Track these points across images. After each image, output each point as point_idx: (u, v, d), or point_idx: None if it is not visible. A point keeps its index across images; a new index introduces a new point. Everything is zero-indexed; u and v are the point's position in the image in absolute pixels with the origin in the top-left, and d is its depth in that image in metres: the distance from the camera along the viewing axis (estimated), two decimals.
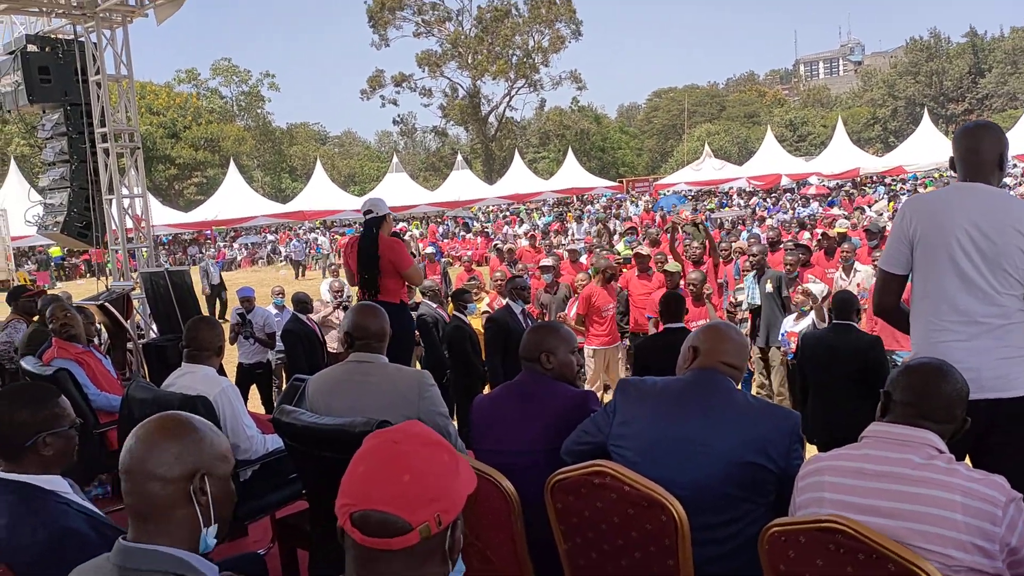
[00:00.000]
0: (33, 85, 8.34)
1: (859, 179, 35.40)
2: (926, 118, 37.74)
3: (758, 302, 7.82)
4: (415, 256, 7.07)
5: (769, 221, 20.80)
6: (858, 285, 8.58)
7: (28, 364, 4.92)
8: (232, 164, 41.35)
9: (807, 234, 14.22)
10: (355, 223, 38.67)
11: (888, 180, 33.02)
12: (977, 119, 3.28)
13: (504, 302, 8.70)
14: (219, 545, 1.68)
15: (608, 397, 8.15)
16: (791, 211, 23.31)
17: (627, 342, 8.43)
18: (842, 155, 37.51)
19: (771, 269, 8.09)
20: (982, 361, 2.66)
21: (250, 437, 3.77)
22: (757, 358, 7.70)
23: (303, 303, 8.68)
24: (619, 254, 11.69)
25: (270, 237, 39.23)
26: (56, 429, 2.29)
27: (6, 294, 7.78)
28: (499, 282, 8.85)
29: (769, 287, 7.73)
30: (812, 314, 7.01)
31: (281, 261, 34.91)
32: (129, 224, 9.03)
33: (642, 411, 2.51)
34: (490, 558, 2.70)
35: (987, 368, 2.66)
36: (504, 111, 61.54)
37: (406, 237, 8.09)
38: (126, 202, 8.65)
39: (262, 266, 35.03)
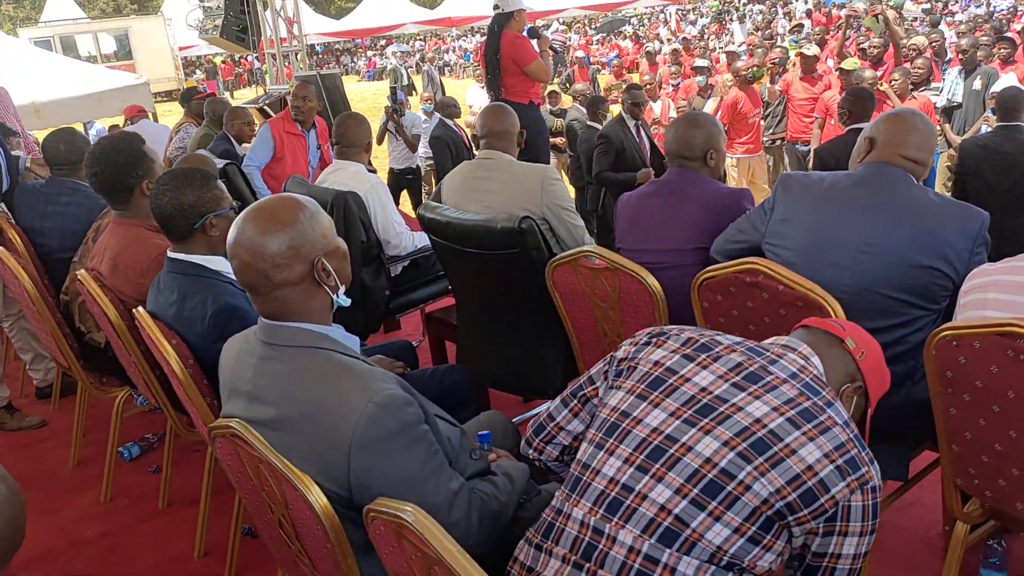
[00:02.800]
0: None
1: None
2: None
3: (959, 99, 7.07)
4: (554, 52, 6.74)
5: (959, 16, 18.61)
6: None
7: None
8: None
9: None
10: None
11: None
12: None
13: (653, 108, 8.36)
14: (374, 335, 1.70)
15: None
16: (985, 4, 20.64)
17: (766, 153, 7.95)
18: None
19: (984, 65, 7.27)
20: None
21: (399, 233, 3.85)
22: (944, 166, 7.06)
23: (449, 107, 8.63)
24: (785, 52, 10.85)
25: (418, 45, 38.92)
26: (219, 211, 2.39)
27: (179, 97, 8.12)
28: (647, 84, 8.41)
29: (978, 84, 6.95)
30: None
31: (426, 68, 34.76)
32: (282, 29, 9.11)
33: (804, 208, 2.32)
34: None
35: None
36: None
37: (551, 37, 7.70)
38: (278, 3, 8.66)
39: (412, 74, 35.04)
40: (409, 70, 22.59)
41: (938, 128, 7.08)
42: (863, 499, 1.36)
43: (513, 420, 2.32)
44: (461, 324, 3.40)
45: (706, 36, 21.54)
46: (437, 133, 8.40)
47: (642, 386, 1.52)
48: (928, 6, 20.11)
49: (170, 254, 2.41)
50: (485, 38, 5.89)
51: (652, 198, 2.87)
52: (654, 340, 1.60)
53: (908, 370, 2.21)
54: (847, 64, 7.31)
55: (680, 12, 34.27)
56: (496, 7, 5.71)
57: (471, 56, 30.62)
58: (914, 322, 2.17)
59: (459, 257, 3.09)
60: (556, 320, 2.95)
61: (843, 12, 11.63)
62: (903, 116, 2.36)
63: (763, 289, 2.17)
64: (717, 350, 1.52)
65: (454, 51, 33.99)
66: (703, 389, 1.46)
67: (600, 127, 6.89)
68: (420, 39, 40.37)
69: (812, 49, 8.36)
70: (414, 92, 18.96)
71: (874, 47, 8.00)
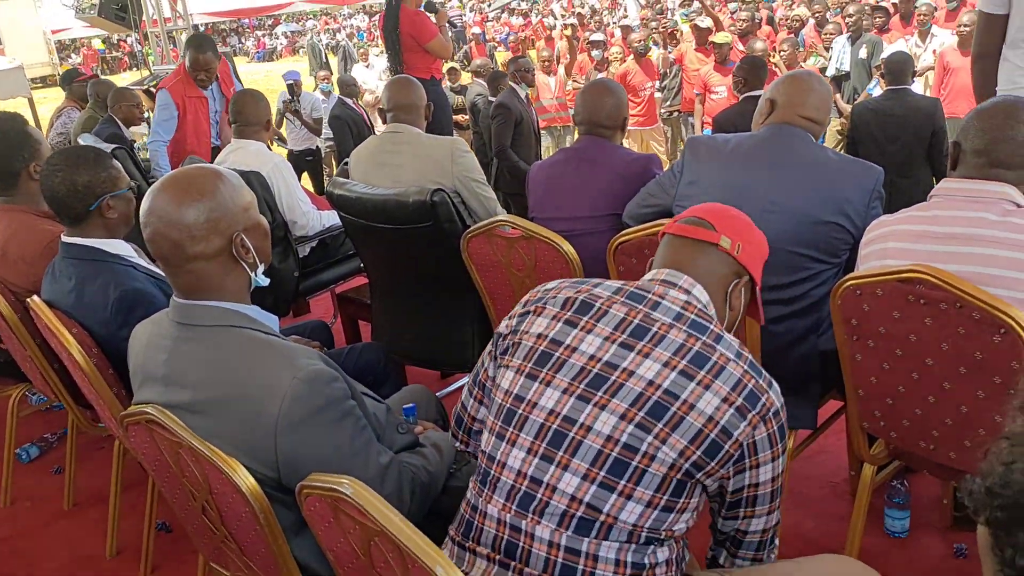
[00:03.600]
0: None
1: None
2: None
3: (847, 68, 7.35)
4: (453, 27, 6.71)
5: None
6: (934, 52, 8.02)
7: (86, 142, 4.92)
8: None
9: None
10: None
11: None
12: None
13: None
14: (284, 319, 1.65)
15: None
16: None
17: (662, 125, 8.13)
18: None
19: (868, 34, 7.58)
20: None
21: (306, 213, 3.76)
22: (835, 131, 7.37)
23: (349, 86, 8.48)
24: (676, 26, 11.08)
25: (310, 24, 37.98)
26: (116, 191, 2.28)
27: (60, 79, 7.63)
28: (545, 59, 8.46)
29: (863, 52, 7.24)
30: None
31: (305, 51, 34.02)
32: (165, 8, 8.73)
33: (712, 169, 2.38)
34: None
35: None
36: None
37: (448, 10, 7.63)
38: None
39: (303, 55, 34.16)
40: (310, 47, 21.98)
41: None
42: (766, 428, 1.37)
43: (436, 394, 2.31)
44: (375, 302, 3.36)
45: (599, 11, 21.69)
46: (337, 112, 8.22)
47: (530, 364, 1.48)
48: None
49: (65, 239, 2.29)
50: (383, 13, 5.79)
51: (564, 166, 2.89)
52: (533, 308, 1.56)
53: (812, 323, 2.30)
54: (718, 38, 7.54)
55: None
56: None
57: (364, 36, 30.06)
58: (817, 276, 2.26)
59: (371, 233, 3.05)
60: (471, 293, 2.95)
61: None
62: (801, 77, 2.44)
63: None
64: (598, 305, 1.48)
65: (345, 30, 33.25)
66: (591, 357, 1.43)
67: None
68: (311, 18, 39.41)
69: (705, 21, 8.55)
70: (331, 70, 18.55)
71: (743, 21, 8.29)
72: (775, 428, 1.39)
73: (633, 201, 2.60)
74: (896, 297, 1.79)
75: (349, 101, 8.37)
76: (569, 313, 1.50)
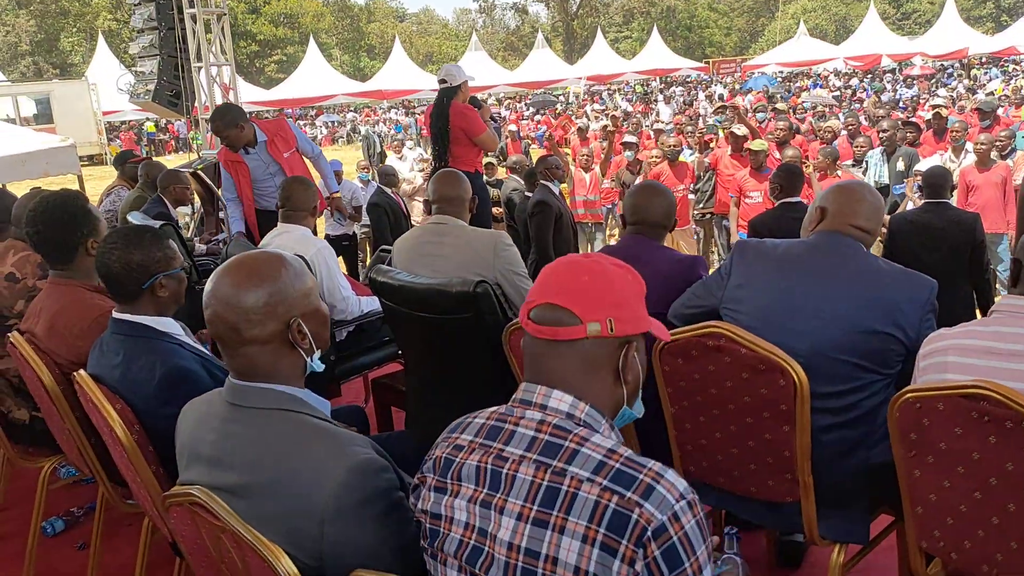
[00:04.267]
0: None
1: (967, 59, 33.08)
2: None
3: (886, 181, 7.44)
4: (494, 122, 6.88)
5: (867, 103, 19.70)
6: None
7: (135, 220, 5.03)
8: (312, 41, 41.07)
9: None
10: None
11: (1001, 61, 30.76)
12: None
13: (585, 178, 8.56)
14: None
15: None
16: (892, 92, 21.97)
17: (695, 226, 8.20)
18: (950, 34, 34.92)
19: (904, 147, 7.70)
20: None
21: (345, 298, 3.79)
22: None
23: (388, 176, 8.68)
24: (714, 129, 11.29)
25: (350, 116, 39.20)
26: (170, 271, 2.30)
27: (113, 159, 7.87)
28: (585, 156, 8.64)
29: (901, 165, 7.34)
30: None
31: (360, 139, 34.98)
32: (218, 95, 9.05)
33: (760, 273, 2.37)
34: None
35: None
36: None
37: (492, 109, 7.87)
38: (213, 71, 8.62)
39: (342, 144, 35.17)
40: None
41: None
42: (655, 549, 1.15)
43: None
44: (410, 390, 3.34)
45: (633, 113, 22.22)
46: (375, 200, 8.40)
47: (463, 562, 1.32)
48: (839, 93, 21.28)
49: (115, 315, 2.30)
50: (431, 108, 5.96)
51: None
52: (450, 486, 1.36)
53: (862, 434, 2.24)
54: (755, 145, 7.66)
55: (608, 92, 35.48)
56: (443, 81, 5.81)
57: (401, 128, 30.91)
58: (868, 387, 2.21)
59: (411, 321, 3.05)
60: (510, 385, 2.91)
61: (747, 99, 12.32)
62: (853, 187, 2.45)
63: (725, 352, 2.18)
64: (506, 471, 1.29)
65: (385, 123, 34.26)
66: (511, 547, 1.24)
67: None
68: (351, 109, 40.69)
69: (741, 129, 8.72)
70: (385, 160, 19.10)
71: (780, 130, 8.44)
72: (673, 541, 1.15)
73: (679, 301, 2.59)
74: (959, 413, 1.74)
75: (388, 190, 8.56)
76: (484, 491, 1.31)
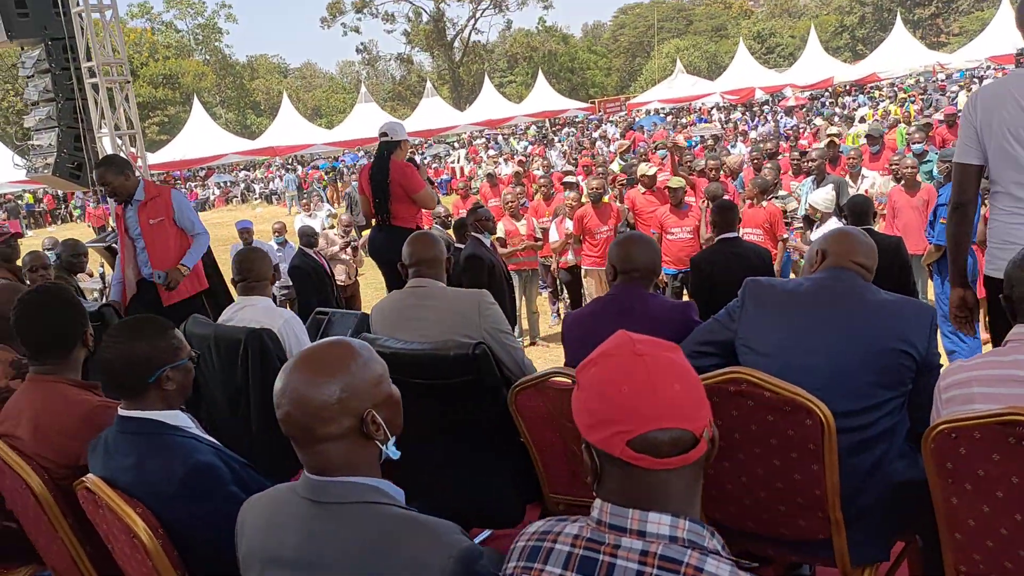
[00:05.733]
0: (11, 20, 7.93)
1: (833, 88, 35.22)
2: (899, 23, 37.42)
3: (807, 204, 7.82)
4: (430, 182, 6.91)
5: (752, 135, 20.70)
6: (866, 192, 8.59)
7: None
8: (196, 101, 40.20)
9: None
10: (328, 157, 38.01)
11: (866, 87, 32.87)
12: None
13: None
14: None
15: None
16: (773, 123, 23.17)
17: None
18: (815, 65, 37.21)
19: (831, 175, 8.15)
20: None
21: None
22: None
23: (309, 236, 8.52)
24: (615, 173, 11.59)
25: (242, 175, 38.47)
26: (177, 362, 2.19)
27: None
28: (510, 203, 8.71)
29: (832, 193, 7.73)
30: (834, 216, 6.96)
31: (256, 199, 34.32)
32: None
33: (770, 311, 2.46)
34: None
35: None
36: (470, 35, 60.29)
37: (420, 162, 7.76)
38: (119, 139, 8.33)
39: (237, 204, 34.40)
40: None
41: (796, 237, 7.80)
42: None
43: None
44: (403, 458, 3.25)
45: (531, 158, 22.59)
46: (297, 263, 8.24)
47: None
48: (721, 131, 22.26)
49: (122, 412, 2.17)
50: (370, 165, 5.93)
51: (601, 316, 2.92)
52: None
53: (883, 453, 2.32)
54: (672, 183, 7.94)
55: (503, 136, 36.06)
56: (384, 134, 5.80)
57: (292, 184, 30.38)
58: (885, 404, 2.30)
59: (405, 389, 2.98)
60: (511, 447, 2.90)
61: (669, 140, 12.79)
62: (849, 230, 2.61)
63: (748, 397, 2.23)
64: None
65: (278, 179, 33.70)
66: None
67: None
68: (243, 168, 39.94)
69: (652, 169, 9.01)
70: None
71: (712, 169, 8.83)
72: None
73: (689, 339, 2.63)
74: (996, 440, 1.84)
75: (310, 251, 8.40)
76: None
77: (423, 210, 6.02)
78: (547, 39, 62.27)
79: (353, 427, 1.51)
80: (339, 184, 30.06)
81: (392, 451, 1.58)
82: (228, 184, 37.39)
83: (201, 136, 36.46)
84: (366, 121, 40.06)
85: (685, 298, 7.88)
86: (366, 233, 10.58)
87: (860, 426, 2.28)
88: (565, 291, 8.87)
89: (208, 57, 60.96)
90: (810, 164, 8.27)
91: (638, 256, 2.94)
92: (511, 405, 2.73)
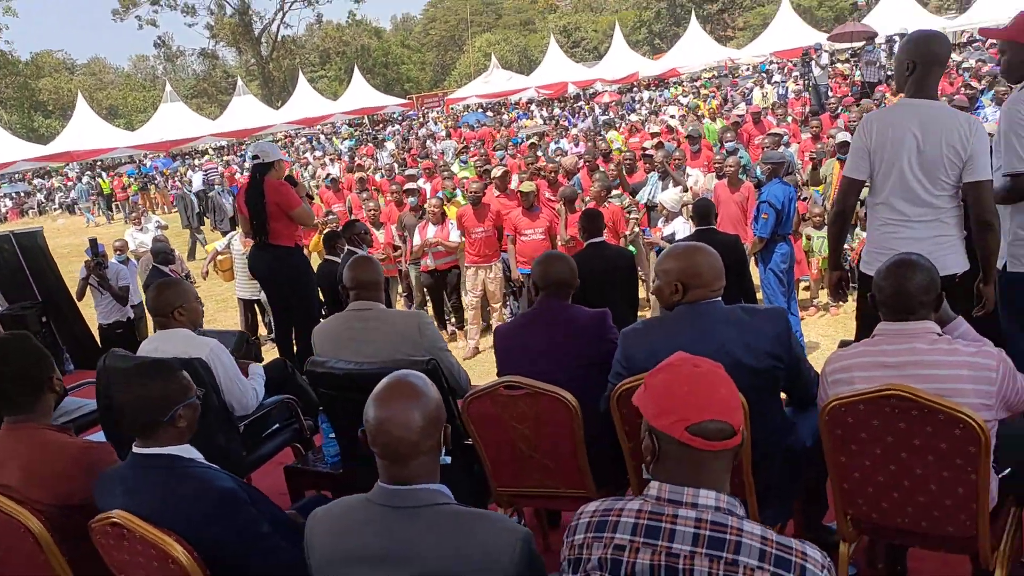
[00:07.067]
0: None
1: (638, 82, 37.34)
2: (693, 20, 40.26)
3: (656, 200, 8.58)
4: (309, 198, 7.01)
5: (573, 131, 21.72)
6: (691, 188, 9.50)
7: None
8: None
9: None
10: (133, 162, 35.91)
11: (672, 82, 35.06)
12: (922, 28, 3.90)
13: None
14: None
15: (486, 342, 8.59)
16: (591, 119, 24.40)
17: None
18: (621, 60, 39.33)
19: (674, 172, 9.05)
20: (920, 247, 3.16)
21: (244, 393, 3.84)
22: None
23: (165, 254, 8.36)
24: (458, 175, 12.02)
25: (39, 182, 35.61)
26: (187, 400, 2.39)
27: None
28: (373, 211, 8.90)
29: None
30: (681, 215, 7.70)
31: (56, 210, 31.98)
32: None
33: (652, 340, 2.79)
34: (550, 467, 3.09)
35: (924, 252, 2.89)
36: (278, 29, 58.63)
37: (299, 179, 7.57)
38: None
39: (34, 216, 31.88)
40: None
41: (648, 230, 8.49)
42: None
43: None
44: (349, 464, 3.52)
45: (356, 159, 22.50)
46: (152, 281, 8.04)
47: None
48: (545, 127, 23.25)
49: (137, 450, 2.34)
50: (245, 185, 6.00)
51: (531, 329, 3.32)
52: None
53: (767, 451, 2.81)
54: (524, 187, 8.42)
55: (326, 136, 35.46)
56: (255, 157, 5.90)
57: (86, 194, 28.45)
58: (769, 409, 2.79)
59: (350, 405, 3.25)
60: (466, 456, 3.25)
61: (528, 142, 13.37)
62: (699, 261, 2.79)
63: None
64: (682, 566, 1.59)
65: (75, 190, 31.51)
66: None
67: (339, 261, 7.20)
68: (39, 175, 36.97)
69: (500, 170, 9.51)
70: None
71: (551, 171, 9.42)
72: None
73: (610, 377, 2.99)
74: (875, 410, 2.40)
75: (165, 268, 8.24)
76: None
77: (300, 227, 6.15)
78: (359, 33, 61.67)
79: (438, 440, 1.84)
80: (152, 191, 28.64)
81: (445, 458, 1.91)
82: (21, 194, 34.54)
83: None
84: (173, 121, 38.22)
85: None
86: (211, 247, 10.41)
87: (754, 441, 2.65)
88: (426, 294, 9.14)
89: None
90: (653, 164, 9.06)
91: (555, 273, 3.34)
92: (464, 413, 3.08)
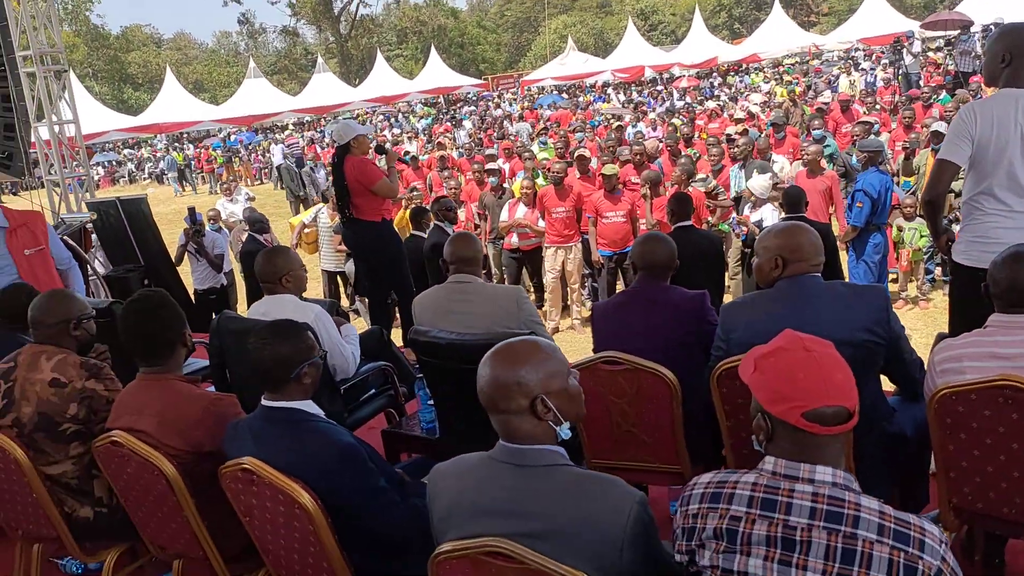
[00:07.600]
0: None
1: (717, 67, 36.70)
2: (777, 4, 39.27)
3: (743, 187, 8.46)
4: (402, 161, 7.10)
5: (651, 115, 21.52)
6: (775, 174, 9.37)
7: None
8: (72, 74, 38.13)
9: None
10: (219, 135, 36.88)
11: (752, 68, 34.36)
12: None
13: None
14: None
15: (565, 323, 8.65)
16: (670, 104, 24.14)
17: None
18: (701, 45, 38.68)
19: (754, 160, 8.87)
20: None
21: (346, 358, 3.99)
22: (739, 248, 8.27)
23: (260, 223, 8.65)
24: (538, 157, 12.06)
25: (128, 152, 36.90)
26: (312, 359, 2.53)
27: None
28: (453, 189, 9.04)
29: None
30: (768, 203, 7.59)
31: (145, 179, 33.12)
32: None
33: (751, 316, 2.85)
34: (647, 442, 3.15)
35: None
36: (357, 8, 59.35)
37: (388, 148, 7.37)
38: (56, 128, 8.20)
39: (124, 185, 33.09)
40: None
41: (735, 217, 8.38)
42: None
43: None
44: (449, 434, 3.63)
45: (435, 137, 22.72)
46: (249, 248, 8.35)
47: None
48: (624, 111, 23.08)
49: (266, 403, 2.50)
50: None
51: (630, 307, 3.38)
52: (739, 549, 1.68)
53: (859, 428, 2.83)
54: (607, 170, 8.41)
55: (403, 114, 35.89)
56: (334, 141, 6.09)
57: (173, 166, 29.37)
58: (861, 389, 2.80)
59: (460, 377, 3.35)
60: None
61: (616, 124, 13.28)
62: (799, 237, 2.84)
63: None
64: (799, 538, 1.62)
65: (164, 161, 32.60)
66: None
67: (425, 237, 7.32)
68: (128, 146, 38.31)
69: (586, 152, 9.54)
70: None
71: (638, 155, 9.38)
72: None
73: (712, 350, 3.06)
74: (987, 399, 2.40)
75: (260, 237, 8.53)
76: (779, 551, 1.64)
77: (387, 200, 6.29)
78: (436, 13, 61.96)
79: (526, 407, 1.91)
80: (234, 164, 29.40)
81: (564, 432, 1.97)
82: (113, 163, 35.84)
83: (79, 112, 34.76)
84: (256, 96, 39.13)
85: (619, 278, 8.46)
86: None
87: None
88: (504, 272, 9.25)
89: (79, 28, 57.62)
90: (736, 150, 8.93)
91: (656, 253, 3.39)
92: None
